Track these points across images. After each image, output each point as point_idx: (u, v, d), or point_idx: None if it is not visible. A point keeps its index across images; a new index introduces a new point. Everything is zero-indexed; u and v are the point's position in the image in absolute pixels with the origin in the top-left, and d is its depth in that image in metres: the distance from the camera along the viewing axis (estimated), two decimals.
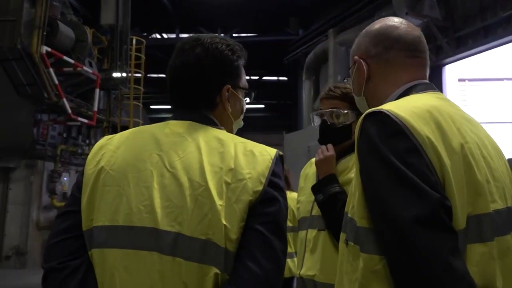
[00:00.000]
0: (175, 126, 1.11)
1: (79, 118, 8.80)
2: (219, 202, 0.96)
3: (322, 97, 1.87)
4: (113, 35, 9.98)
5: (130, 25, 10.29)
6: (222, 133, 1.10)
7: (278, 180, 1.03)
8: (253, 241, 0.96)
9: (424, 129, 0.93)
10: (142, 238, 0.97)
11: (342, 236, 1.10)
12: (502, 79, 10.30)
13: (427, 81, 1.15)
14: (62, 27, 8.40)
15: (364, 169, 0.98)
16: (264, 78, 17.57)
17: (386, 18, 1.23)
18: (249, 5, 13.05)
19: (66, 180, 9.41)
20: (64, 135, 9.60)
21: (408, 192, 0.88)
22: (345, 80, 1.36)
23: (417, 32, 1.18)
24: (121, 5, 9.98)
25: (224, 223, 0.94)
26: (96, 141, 9.75)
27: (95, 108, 9.29)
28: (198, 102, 1.15)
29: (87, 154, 1.16)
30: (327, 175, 1.73)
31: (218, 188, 0.97)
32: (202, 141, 1.05)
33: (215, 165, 1.00)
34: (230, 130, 1.18)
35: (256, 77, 17.16)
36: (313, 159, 1.94)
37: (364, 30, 1.24)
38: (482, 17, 7.54)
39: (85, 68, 8.82)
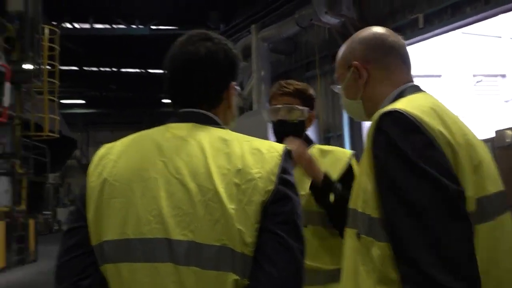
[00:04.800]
0: (175, 129, 1.07)
1: None
2: (230, 206, 0.93)
3: (275, 92, 1.87)
4: (22, 23, 9.09)
5: (41, 13, 9.51)
6: (226, 133, 1.06)
7: (288, 176, 1.00)
8: (269, 243, 0.94)
9: (435, 124, 1.03)
10: (154, 249, 0.94)
11: (351, 231, 1.14)
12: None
13: (415, 83, 1.28)
14: None
15: (381, 165, 1.03)
16: None
17: (370, 27, 1.33)
18: None
19: None
20: None
21: (428, 185, 0.96)
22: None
23: (402, 41, 1.30)
24: None
25: (238, 227, 0.92)
26: (6, 140, 8.86)
27: (6, 104, 8.42)
28: (202, 98, 1.11)
29: None
30: (325, 175, 1.67)
31: (227, 191, 0.94)
32: (205, 143, 1.01)
33: (222, 167, 0.97)
34: (231, 128, 1.16)
35: None
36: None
37: (355, 37, 1.32)
38: (392, 19, 8.28)
39: None
